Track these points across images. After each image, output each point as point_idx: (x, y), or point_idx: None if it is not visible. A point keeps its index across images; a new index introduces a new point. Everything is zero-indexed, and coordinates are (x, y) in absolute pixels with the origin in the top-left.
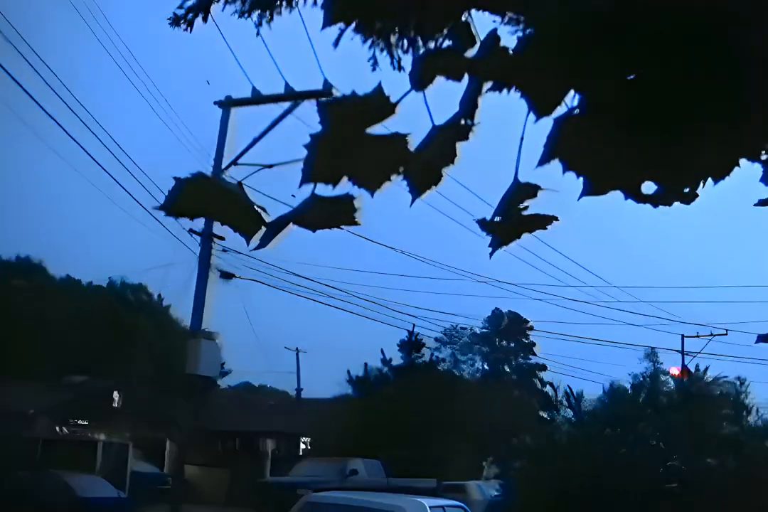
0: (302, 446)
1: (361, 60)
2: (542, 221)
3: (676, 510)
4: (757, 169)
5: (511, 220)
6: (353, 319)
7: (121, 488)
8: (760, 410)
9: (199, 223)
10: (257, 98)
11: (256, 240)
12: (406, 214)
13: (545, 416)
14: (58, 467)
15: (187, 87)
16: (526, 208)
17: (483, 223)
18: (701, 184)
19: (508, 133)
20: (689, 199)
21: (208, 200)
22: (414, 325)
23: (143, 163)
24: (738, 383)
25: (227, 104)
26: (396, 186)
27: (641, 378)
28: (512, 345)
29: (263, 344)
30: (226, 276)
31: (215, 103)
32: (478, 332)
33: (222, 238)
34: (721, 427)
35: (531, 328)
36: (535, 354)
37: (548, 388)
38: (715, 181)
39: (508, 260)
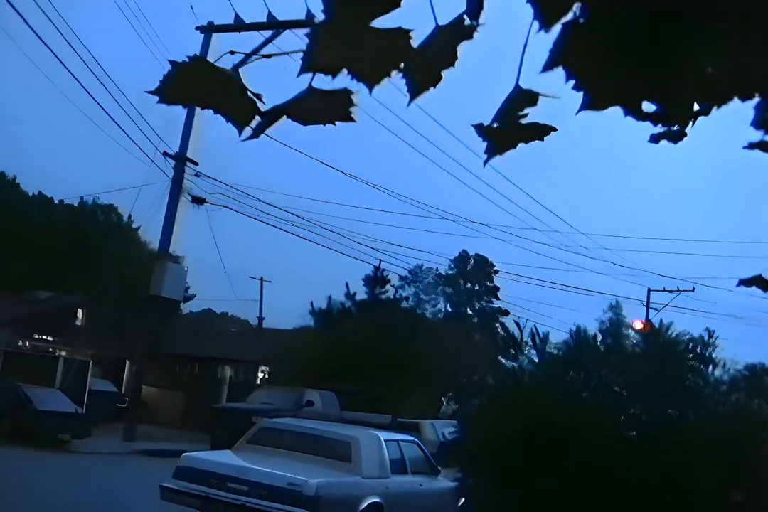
0: (260, 375)
1: None
2: (540, 131)
3: (631, 457)
4: (748, 112)
5: (509, 127)
6: (320, 251)
7: (79, 404)
8: (726, 364)
9: (174, 146)
10: (239, 25)
11: (248, 131)
12: (379, 148)
13: (508, 354)
14: (18, 379)
15: (169, 10)
16: (525, 115)
17: (480, 128)
18: (699, 110)
19: (510, 40)
20: (678, 136)
21: (203, 86)
22: (380, 261)
23: (122, 83)
24: (706, 335)
25: (208, 29)
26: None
27: (606, 325)
28: (476, 288)
29: (229, 271)
30: (197, 200)
31: (197, 28)
32: (443, 273)
33: (195, 163)
34: (685, 379)
35: (496, 272)
36: (498, 299)
37: (513, 327)
38: (717, 105)
39: (477, 201)
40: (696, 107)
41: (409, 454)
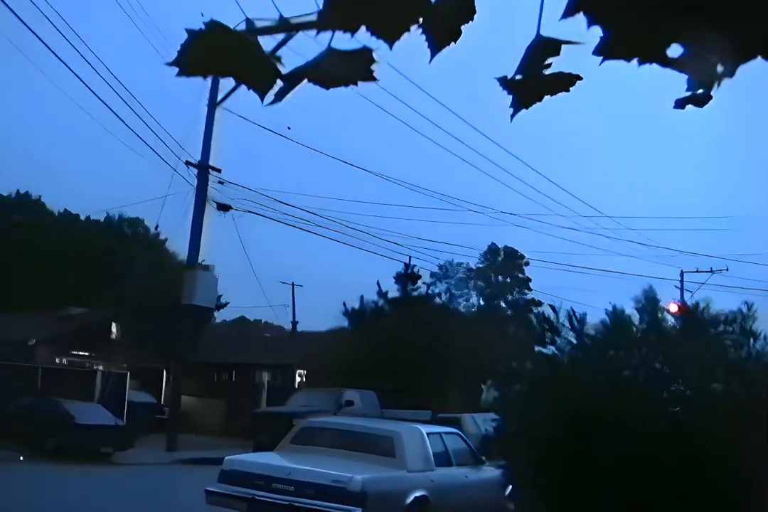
0: (298, 378)
1: None
2: (565, 81)
3: (677, 433)
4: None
5: (534, 79)
6: (349, 251)
7: (119, 417)
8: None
9: (196, 154)
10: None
11: (270, 96)
12: (398, 143)
13: (545, 338)
14: (58, 395)
15: (183, 19)
16: (549, 65)
17: (503, 81)
18: (722, 72)
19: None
20: (704, 99)
21: (222, 53)
22: (410, 258)
23: (139, 94)
24: (746, 308)
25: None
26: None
27: (642, 303)
28: (508, 280)
29: (259, 277)
30: (223, 208)
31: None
32: (474, 267)
33: (218, 170)
34: (726, 353)
35: (527, 264)
36: (530, 290)
37: (549, 310)
38: (740, 63)
39: (500, 190)
40: (719, 69)
41: (452, 446)
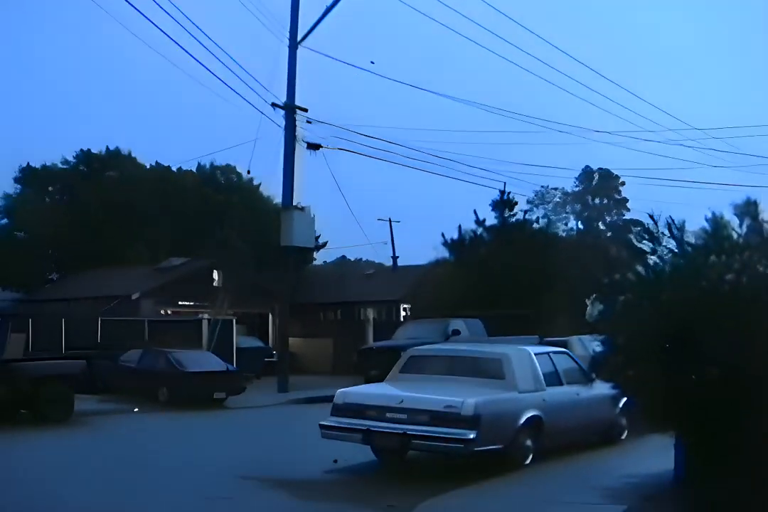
0: (402, 312)
1: None
2: None
3: None
4: None
5: None
6: (442, 182)
7: (229, 362)
8: None
9: (281, 96)
10: None
11: None
12: (481, 66)
13: (646, 248)
14: (166, 346)
15: None
16: None
17: None
18: None
19: None
20: None
21: None
22: (505, 184)
23: (215, 36)
24: None
25: None
26: None
27: (743, 209)
28: (605, 202)
29: (356, 215)
30: (313, 147)
31: None
32: (570, 191)
33: (305, 110)
34: None
35: (623, 184)
36: (628, 210)
37: (648, 219)
38: None
39: (582, 107)
40: None
41: (561, 365)
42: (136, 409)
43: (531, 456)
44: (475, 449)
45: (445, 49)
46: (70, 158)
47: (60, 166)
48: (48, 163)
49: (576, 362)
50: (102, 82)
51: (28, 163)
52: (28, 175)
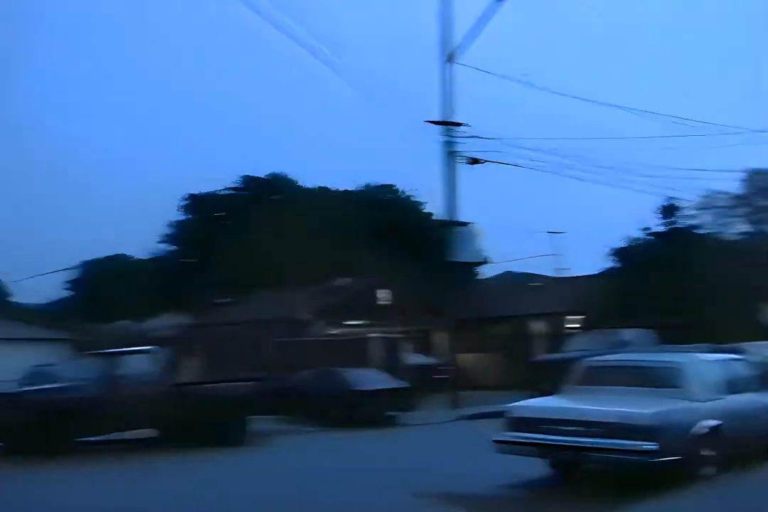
0: (570, 324)
1: None
2: None
3: None
4: None
5: None
6: (604, 191)
7: (398, 379)
8: None
9: (433, 113)
10: None
11: None
12: (626, 71)
13: None
14: (336, 365)
15: None
16: None
17: None
18: None
19: None
20: None
21: None
22: (669, 190)
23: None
24: None
25: None
26: None
27: None
28: None
29: (519, 229)
30: (474, 162)
31: None
32: (737, 194)
33: (460, 125)
34: None
35: None
36: None
37: None
38: None
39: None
40: None
41: (738, 372)
42: (310, 429)
43: (713, 467)
44: (656, 460)
45: (606, 55)
46: (229, 184)
47: (223, 192)
48: (209, 190)
49: (753, 368)
50: (256, 107)
51: (190, 193)
52: (193, 203)
